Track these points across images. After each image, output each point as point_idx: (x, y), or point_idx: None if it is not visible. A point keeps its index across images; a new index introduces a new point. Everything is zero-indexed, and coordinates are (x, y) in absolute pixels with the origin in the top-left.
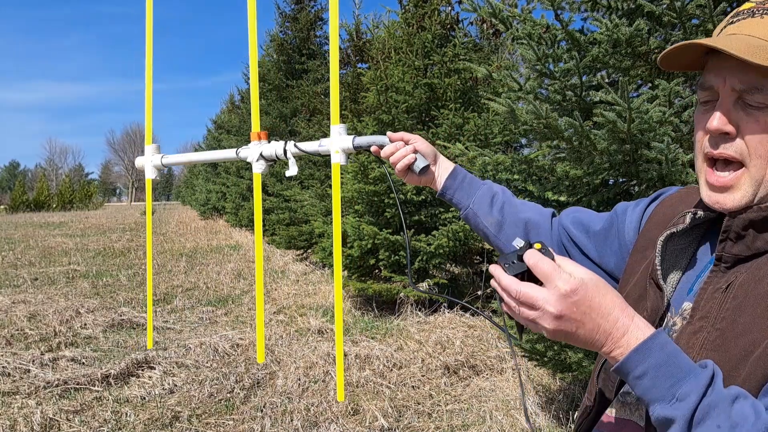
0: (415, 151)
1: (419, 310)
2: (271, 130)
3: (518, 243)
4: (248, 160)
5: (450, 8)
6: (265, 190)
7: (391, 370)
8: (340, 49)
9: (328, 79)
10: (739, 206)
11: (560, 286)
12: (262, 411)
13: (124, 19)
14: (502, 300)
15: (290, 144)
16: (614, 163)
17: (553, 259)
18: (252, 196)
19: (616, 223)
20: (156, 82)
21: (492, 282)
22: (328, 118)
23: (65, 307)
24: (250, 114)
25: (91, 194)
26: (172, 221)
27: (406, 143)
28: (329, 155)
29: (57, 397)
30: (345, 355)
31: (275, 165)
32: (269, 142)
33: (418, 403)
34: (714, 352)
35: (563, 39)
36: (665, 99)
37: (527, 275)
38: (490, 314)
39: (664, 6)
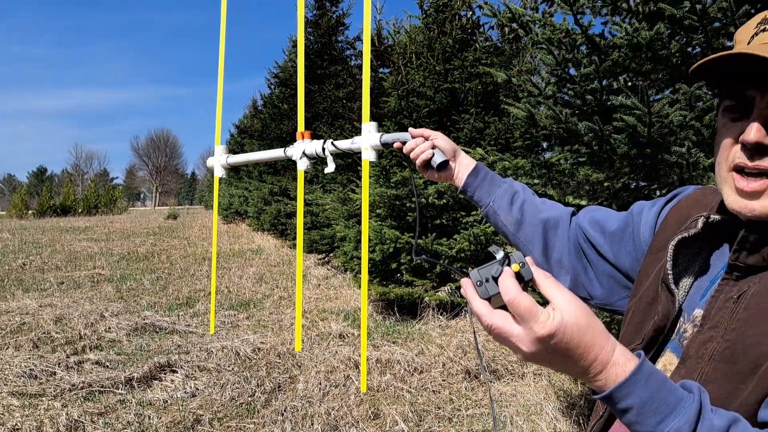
0: (434, 147)
1: (441, 314)
2: (293, 134)
3: (496, 252)
4: (293, 158)
5: (471, 13)
6: (287, 194)
7: (412, 374)
8: (361, 53)
9: (350, 84)
10: None
11: (536, 330)
12: (282, 415)
13: (152, 27)
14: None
15: (328, 142)
16: (635, 167)
17: (531, 278)
18: (274, 200)
19: (632, 224)
20: (180, 87)
21: (462, 291)
22: (350, 123)
23: (90, 310)
24: (272, 118)
25: (116, 199)
26: (195, 225)
27: (426, 139)
28: (360, 152)
29: (82, 399)
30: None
31: (317, 163)
32: (311, 141)
33: (439, 408)
34: (723, 363)
35: (583, 43)
36: (686, 103)
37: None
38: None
39: (686, 9)
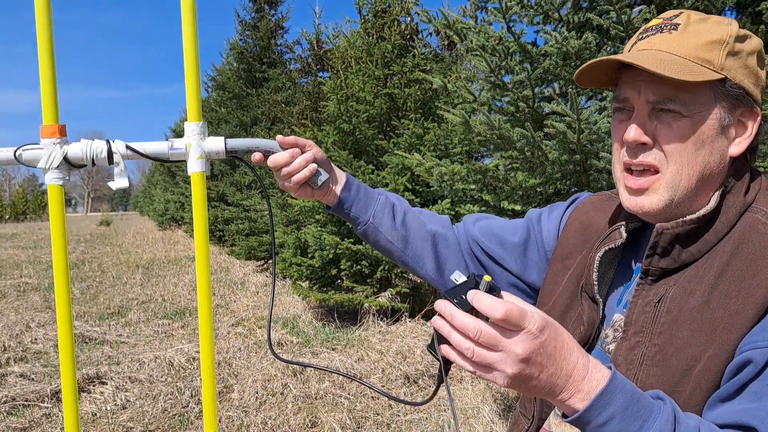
0: (315, 161)
1: (381, 319)
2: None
3: (459, 277)
4: (39, 166)
5: (409, 19)
6: (224, 200)
7: (351, 381)
8: (300, 57)
9: (289, 88)
10: (657, 208)
11: (530, 326)
12: (217, 425)
13: (81, 26)
14: (442, 341)
15: (119, 143)
16: (566, 173)
17: (500, 294)
18: (211, 206)
19: (534, 233)
20: (116, 89)
21: (435, 320)
22: (290, 127)
23: (15, 321)
24: (209, 123)
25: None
26: (129, 232)
27: (302, 150)
28: (185, 161)
29: (5, 414)
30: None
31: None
32: (78, 140)
33: (377, 414)
34: (655, 368)
35: (516, 51)
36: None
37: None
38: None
39: (613, 19)
